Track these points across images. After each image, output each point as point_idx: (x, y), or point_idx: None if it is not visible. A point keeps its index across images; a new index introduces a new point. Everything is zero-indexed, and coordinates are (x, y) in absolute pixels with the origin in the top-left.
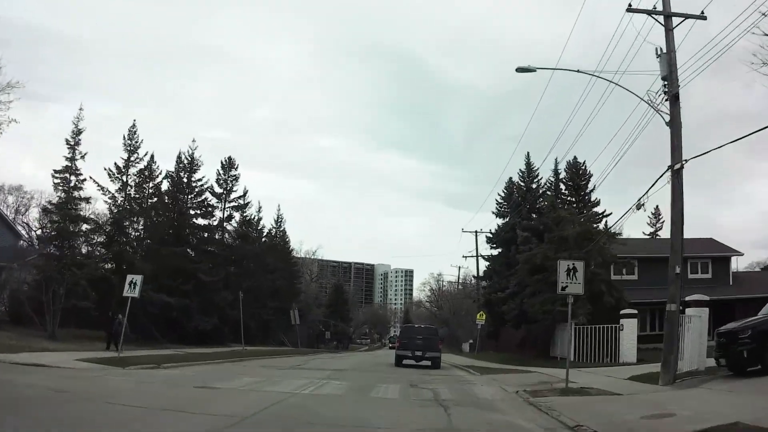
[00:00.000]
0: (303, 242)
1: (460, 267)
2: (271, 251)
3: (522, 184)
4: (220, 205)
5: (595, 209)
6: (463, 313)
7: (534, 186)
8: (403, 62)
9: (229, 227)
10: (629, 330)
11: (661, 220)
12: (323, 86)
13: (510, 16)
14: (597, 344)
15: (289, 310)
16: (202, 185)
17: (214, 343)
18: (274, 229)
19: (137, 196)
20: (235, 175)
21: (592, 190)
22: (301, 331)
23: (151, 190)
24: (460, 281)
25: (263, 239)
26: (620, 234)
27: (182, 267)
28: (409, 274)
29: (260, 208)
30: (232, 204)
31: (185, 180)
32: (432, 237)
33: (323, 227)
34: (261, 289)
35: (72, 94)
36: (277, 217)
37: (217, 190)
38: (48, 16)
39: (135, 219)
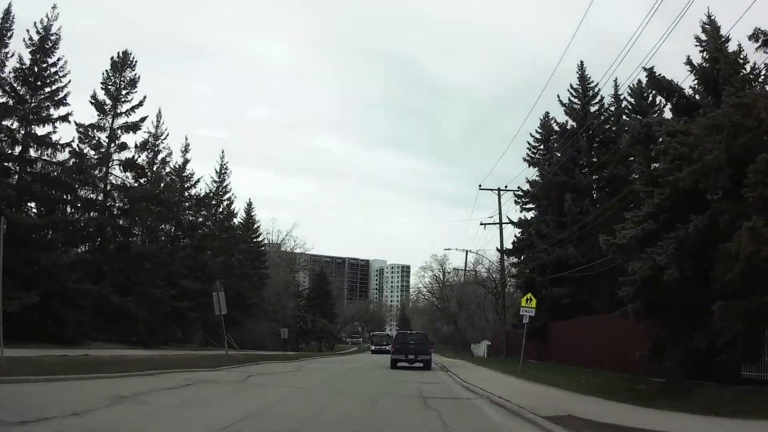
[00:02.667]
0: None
1: (467, 251)
2: (204, 208)
3: (576, 103)
4: (105, 122)
5: None
6: (474, 306)
7: (594, 109)
8: (399, 61)
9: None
10: None
11: None
12: (318, 84)
13: (507, 14)
14: None
15: (248, 304)
16: (56, 73)
17: (43, 340)
18: (215, 185)
19: None
20: (132, 79)
21: None
22: (263, 328)
23: None
24: (469, 269)
25: (190, 192)
26: None
27: None
28: (405, 270)
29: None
30: (124, 122)
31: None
32: (428, 235)
33: (318, 224)
34: (170, 262)
35: None
36: (221, 168)
37: (101, 97)
38: (41, 12)
39: None
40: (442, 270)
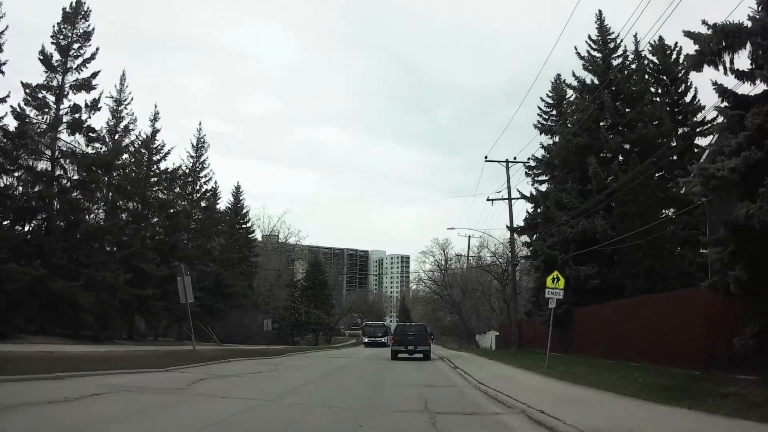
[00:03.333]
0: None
1: (470, 237)
2: (179, 186)
3: (596, 55)
4: (54, 80)
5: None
6: (478, 294)
7: (617, 63)
8: (398, 53)
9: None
10: None
11: None
12: (315, 77)
13: (504, 10)
14: None
15: (230, 293)
16: None
17: None
18: (192, 160)
19: None
20: (86, 32)
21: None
22: (253, 320)
23: None
24: (473, 254)
25: (160, 166)
26: None
27: None
28: (405, 261)
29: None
30: (75, 79)
31: None
32: (428, 225)
33: (317, 217)
34: (131, 244)
35: None
36: (197, 141)
37: (50, 51)
38: (32, 8)
39: None
40: (444, 255)
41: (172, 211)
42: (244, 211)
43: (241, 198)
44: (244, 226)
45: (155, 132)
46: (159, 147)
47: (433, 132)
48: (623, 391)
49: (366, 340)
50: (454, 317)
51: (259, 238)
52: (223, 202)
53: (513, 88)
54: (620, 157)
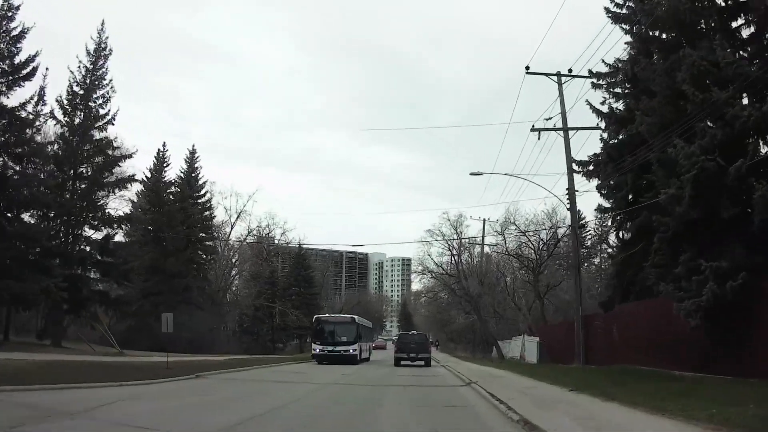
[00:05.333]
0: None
1: (485, 220)
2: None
3: None
4: None
5: None
6: (499, 289)
7: None
8: (391, 56)
9: None
10: None
11: None
12: (311, 81)
13: (500, 10)
14: None
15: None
16: None
17: None
18: (85, 75)
19: None
20: None
21: None
22: (203, 321)
23: None
24: (487, 237)
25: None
26: None
27: None
28: (406, 263)
29: None
30: None
31: None
32: (429, 226)
33: (316, 220)
34: None
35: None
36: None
37: None
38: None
39: None
40: (458, 234)
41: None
42: (200, 181)
43: (196, 165)
44: (200, 200)
45: None
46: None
47: (432, 133)
48: None
49: (317, 350)
50: (468, 319)
51: (225, 218)
52: (174, 170)
53: (508, 89)
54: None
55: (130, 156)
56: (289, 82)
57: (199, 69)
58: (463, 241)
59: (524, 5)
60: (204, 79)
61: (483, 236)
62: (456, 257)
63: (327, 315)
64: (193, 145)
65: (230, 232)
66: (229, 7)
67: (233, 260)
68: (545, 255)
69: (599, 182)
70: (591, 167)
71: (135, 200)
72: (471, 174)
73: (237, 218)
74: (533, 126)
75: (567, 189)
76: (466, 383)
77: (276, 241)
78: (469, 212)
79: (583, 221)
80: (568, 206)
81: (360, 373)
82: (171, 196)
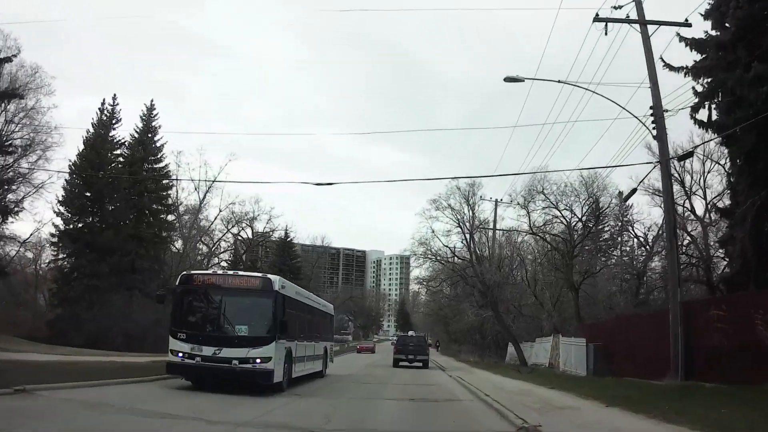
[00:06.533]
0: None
1: (497, 201)
2: None
3: None
4: None
5: None
6: (517, 278)
7: None
8: (394, 53)
9: None
10: None
11: None
12: (313, 79)
13: (503, 6)
14: None
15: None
16: None
17: None
18: None
19: None
20: None
21: None
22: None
23: None
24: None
25: None
26: None
27: None
28: (405, 261)
29: None
30: None
31: None
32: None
33: (314, 220)
34: None
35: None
36: None
37: None
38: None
39: None
40: (471, 210)
41: None
42: (158, 143)
43: (153, 124)
44: (156, 165)
45: None
46: None
47: (433, 134)
48: None
49: (180, 355)
50: (479, 316)
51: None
52: (127, 129)
53: (509, 89)
54: None
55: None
56: (290, 79)
57: (199, 64)
58: (477, 215)
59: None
60: (205, 75)
61: (495, 219)
62: (468, 236)
63: (204, 272)
64: (152, 101)
65: (199, 209)
66: (230, 4)
67: (202, 244)
68: (582, 234)
69: (708, 87)
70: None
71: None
72: (506, 80)
73: (207, 193)
74: (597, 14)
75: (651, 107)
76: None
77: (262, 229)
78: (485, 183)
79: (678, 154)
80: (652, 131)
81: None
82: (121, 158)
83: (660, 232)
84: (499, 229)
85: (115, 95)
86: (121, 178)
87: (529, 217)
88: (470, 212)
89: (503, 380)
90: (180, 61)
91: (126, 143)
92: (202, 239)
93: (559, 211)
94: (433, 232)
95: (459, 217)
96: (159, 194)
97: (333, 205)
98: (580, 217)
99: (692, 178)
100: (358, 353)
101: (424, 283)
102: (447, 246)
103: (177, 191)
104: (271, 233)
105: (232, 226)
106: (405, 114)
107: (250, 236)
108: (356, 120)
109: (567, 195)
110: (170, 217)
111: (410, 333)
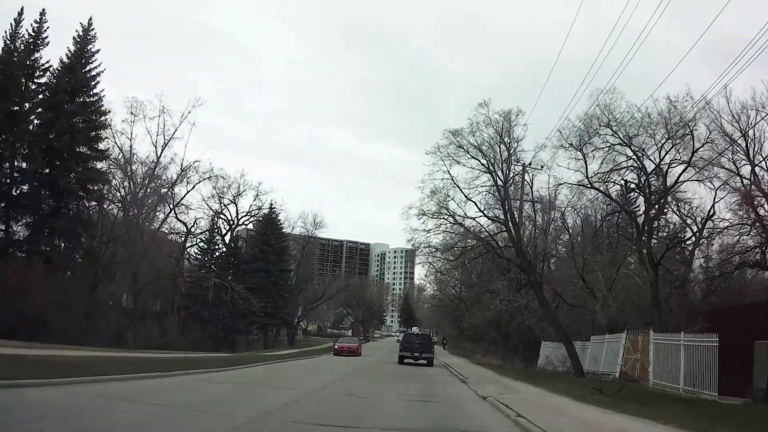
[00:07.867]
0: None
1: (524, 165)
2: None
3: None
4: None
5: None
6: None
7: None
8: (399, 49)
9: None
10: None
11: None
12: (317, 76)
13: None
14: None
15: None
16: None
17: None
18: None
19: None
20: None
21: None
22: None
23: None
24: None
25: None
26: None
27: None
28: (409, 255)
29: None
30: None
31: None
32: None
33: (319, 214)
34: None
35: None
36: None
37: None
38: None
39: None
40: (506, 145)
41: None
42: (94, 71)
43: (89, 48)
44: (88, 99)
45: None
46: None
47: (436, 129)
48: None
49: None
50: (512, 304)
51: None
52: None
53: (512, 84)
54: None
55: None
56: (292, 74)
57: (203, 59)
58: (517, 157)
59: None
60: (210, 69)
61: (522, 186)
62: (501, 187)
63: None
64: (90, 18)
65: (155, 167)
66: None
67: (174, 219)
68: (662, 189)
69: None
70: None
71: None
72: None
73: (165, 146)
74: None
75: None
76: None
77: (248, 207)
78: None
79: None
80: None
81: None
82: (42, 88)
83: None
84: (556, 184)
85: (43, 10)
86: (39, 114)
87: (585, 164)
88: (506, 153)
89: (588, 411)
90: (185, 53)
91: (51, 69)
92: (174, 209)
93: (632, 150)
94: (452, 179)
95: (489, 161)
96: (90, 135)
97: (335, 200)
98: (657, 163)
99: None
100: (335, 356)
101: (438, 255)
102: (470, 199)
103: (114, 135)
104: (258, 211)
105: (215, 203)
106: (409, 109)
107: (235, 215)
108: (360, 116)
109: (645, 128)
110: (100, 165)
111: (414, 329)
